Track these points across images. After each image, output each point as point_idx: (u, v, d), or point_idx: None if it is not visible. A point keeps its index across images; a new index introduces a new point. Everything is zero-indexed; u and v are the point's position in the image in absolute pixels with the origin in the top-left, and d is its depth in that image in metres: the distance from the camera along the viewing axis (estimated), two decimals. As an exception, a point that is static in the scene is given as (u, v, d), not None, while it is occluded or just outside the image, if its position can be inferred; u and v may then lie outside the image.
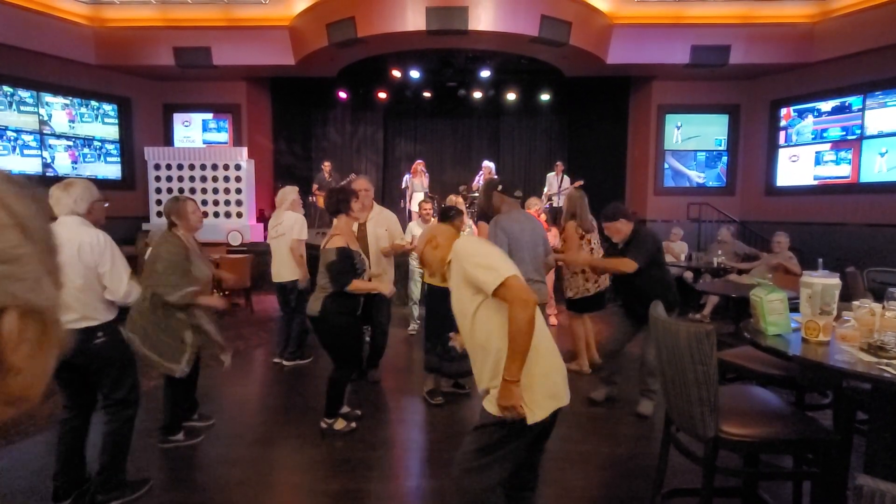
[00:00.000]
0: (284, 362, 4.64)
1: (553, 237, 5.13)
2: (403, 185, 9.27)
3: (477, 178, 8.94)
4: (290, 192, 4.67)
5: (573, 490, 2.67)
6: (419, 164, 9.02)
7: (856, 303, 2.10)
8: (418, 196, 8.48)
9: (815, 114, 8.11)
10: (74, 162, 8.46)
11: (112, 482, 2.46)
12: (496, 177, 8.57)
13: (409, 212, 8.76)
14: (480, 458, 1.73)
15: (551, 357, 1.78)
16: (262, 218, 9.50)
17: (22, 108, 7.83)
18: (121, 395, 2.47)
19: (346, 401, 3.45)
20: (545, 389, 1.72)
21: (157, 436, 3.07)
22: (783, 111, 8.53)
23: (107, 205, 2.56)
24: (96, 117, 8.71)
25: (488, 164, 8.85)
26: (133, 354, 2.65)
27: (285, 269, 4.48)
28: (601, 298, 4.38)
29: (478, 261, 1.70)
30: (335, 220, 3.27)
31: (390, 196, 11.18)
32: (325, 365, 4.78)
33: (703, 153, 9.17)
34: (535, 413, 1.69)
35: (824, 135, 8.01)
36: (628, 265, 3.24)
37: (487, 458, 1.73)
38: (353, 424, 3.32)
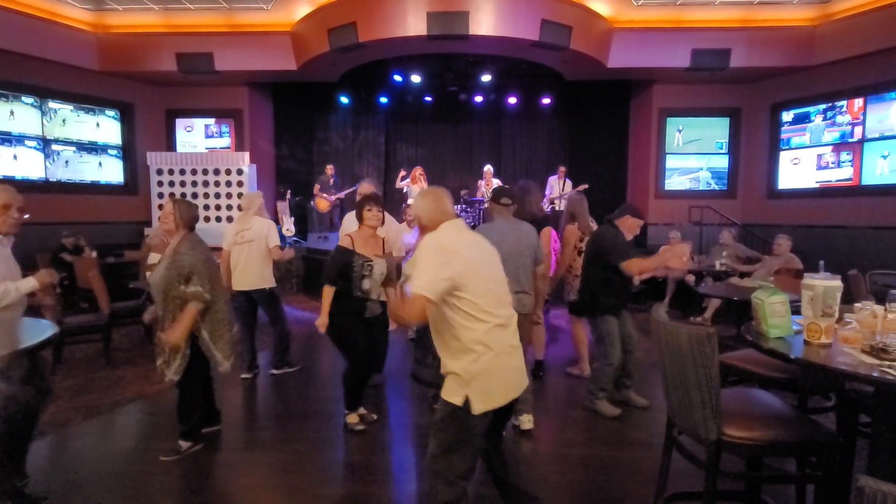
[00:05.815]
0: (273, 370, 4.50)
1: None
2: (402, 189, 9.25)
3: (480, 182, 8.93)
4: (256, 198, 4.48)
5: (574, 493, 2.66)
6: (418, 171, 8.75)
7: (858, 305, 2.10)
8: None
9: (816, 117, 8.11)
10: (76, 167, 8.49)
11: None
12: (495, 181, 8.60)
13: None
14: (446, 455, 1.91)
15: (500, 361, 1.88)
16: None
17: (25, 113, 7.87)
18: None
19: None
20: (484, 386, 1.85)
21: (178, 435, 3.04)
22: (784, 114, 8.54)
23: (18, 214, 2.42)
24: (99, 123, 8.75)
25: (489, 169, 8.87)
26: None
27: (252, 276, 4.23)
28: None
29: (420, 263, 1.89)
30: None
31: (392, 200, 11.19)
32: (325, 369, 4.80)
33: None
34: (476, 405, 1.84)
35: (825, 138, 8.01)
36: None
37: (451, 455, 1.90)
38: (362, 426, 3.36)
